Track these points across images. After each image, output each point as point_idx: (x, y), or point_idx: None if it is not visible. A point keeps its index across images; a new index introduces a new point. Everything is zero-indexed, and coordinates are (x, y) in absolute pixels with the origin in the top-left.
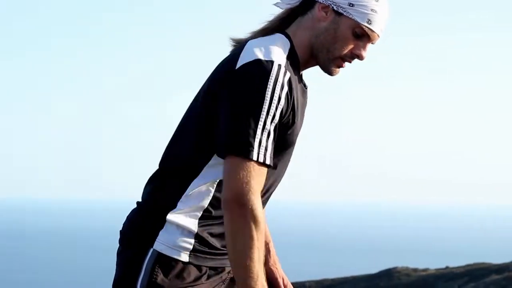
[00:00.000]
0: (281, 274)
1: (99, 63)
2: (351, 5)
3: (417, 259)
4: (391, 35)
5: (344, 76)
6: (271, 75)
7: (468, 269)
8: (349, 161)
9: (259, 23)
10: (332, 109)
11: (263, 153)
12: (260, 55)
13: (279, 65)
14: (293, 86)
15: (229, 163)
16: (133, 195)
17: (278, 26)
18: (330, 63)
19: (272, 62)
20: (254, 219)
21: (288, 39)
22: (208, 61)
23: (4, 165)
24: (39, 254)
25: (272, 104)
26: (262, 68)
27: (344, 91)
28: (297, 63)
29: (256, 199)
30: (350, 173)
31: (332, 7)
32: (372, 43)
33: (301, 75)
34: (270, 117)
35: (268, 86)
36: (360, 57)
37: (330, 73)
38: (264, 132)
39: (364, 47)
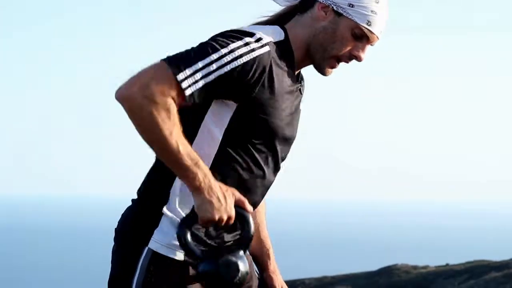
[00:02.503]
0: (280, 282)
1: (90, 57)
2: (351, 5)
3: (417, 256)
4: (397, 33)
5: (353, 75)
6: (245, 38)
7: (468, 266)
8: (351, 160)
9: (256, 18)
10: (337, 108)
11: (189, 82)
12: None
13: (261, 38)
14: (273, 66)
15: (152, 64)
16: (131, 191)
17: (275, 22)
18: (325, 63)
19: (254, 33)
20: (152, 99)
21: (284, 32)
22: None
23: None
24: (35, 251)
25: (230, 54)
26: (240, 31)
27: (351, 90)
28: (290, 55)
29: (156, 92)
30: (351, 171)
31: (332, 7)
32: (371, 45)
33: (298, 73)
34: (219, 62)
35: (237, 42)
36: (358, 58)
37: (323, 73)
38: (204, 69)
39: (362, 49)
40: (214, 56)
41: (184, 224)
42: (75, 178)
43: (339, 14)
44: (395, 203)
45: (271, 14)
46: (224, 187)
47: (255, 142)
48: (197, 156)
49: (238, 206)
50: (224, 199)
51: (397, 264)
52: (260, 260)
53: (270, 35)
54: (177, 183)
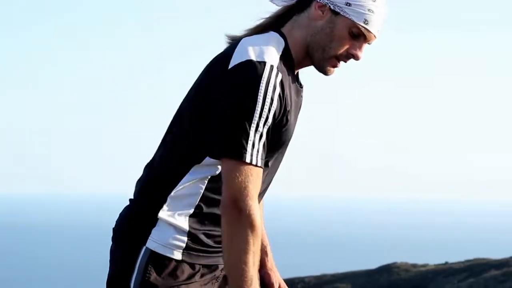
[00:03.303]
0: (278, 279)
1: (91, 55)
2: (348, 4)
3: (417, 255)
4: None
5: (350, 75)
6: (263, 77)
7: (468, 264)
8: (351, 158)
9: (255, 20)
10: (336, 106)
11: (255, 156)
12: (253, 56)
13: (271, 66)
14: (286, 86)
15: (225, 166)
16: (128, 190)
17: (273, 24)
18: (325, 63)
19: (264, 63)
20: (251, 224)
21: (283, 38)
22: (203, 58)
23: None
24: (35, 249)
25: (265, 106)
26: (254, 70)
27: (349, 90)
28: (291, 62)
29: (253, 203)
30: (351, 169)
31: (329, 6)
32: (368, 44)
33: (297, 74)
34: (262, 120)
35: (260, 88)
36: (356, 57)
37: (325, 72)
38: (256, 134)
39: (360, 47)
40: (256, 116)
41: None
42: (75, 177)
43: (336, 13)
44: (395, 202)
45: (268, 15)
46: None
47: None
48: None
49: None
50: None
51: (397, 262)
52: None
53: (276, 50)
54: (177, 192)
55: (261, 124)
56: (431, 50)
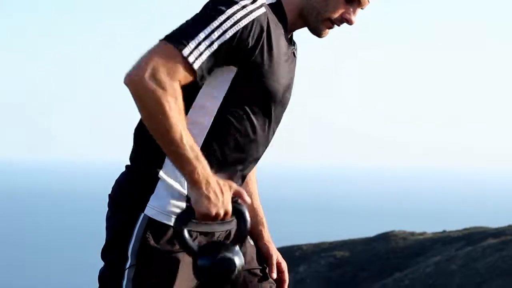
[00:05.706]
0: (275, 251)
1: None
2: None
3: (415, 223)
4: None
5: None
6: (240, 1)
7: (465, 233)
8: (350, 126)
9: None
10: (333, 73)
11: (195, 55)
12: None
13: (255, 0)
14: (271, 27)
15: (155, 45)
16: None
17: None
18: (320, 25)
19: None
20: (159, 85)
21: None
22: None
23: None
24: (29, 215)
25: (229, 20)
26: None
27: (347, 57)
28: (283, 18)
29: (165, 77)
30: (349, 137)
31: None
32: (361, 9)
33: (291, 36)
34: (220, 30)
35: (233, 5)
36: (350, 22)
37: (319, 35)
38: (206, 39)
39: (354, 12)
40: (214, 24)
41: (181, 219)
42: (75, 142)
43: None
44: (392, 169)
45: None
46: (221, 181)
47: (253, 106)
48: (198, 149)
49: (236, 200)
50: (222, 194)
51: (394, 230)
52: (255, 229)
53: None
54: None
55: (216, 33)
56: (431, 17)
